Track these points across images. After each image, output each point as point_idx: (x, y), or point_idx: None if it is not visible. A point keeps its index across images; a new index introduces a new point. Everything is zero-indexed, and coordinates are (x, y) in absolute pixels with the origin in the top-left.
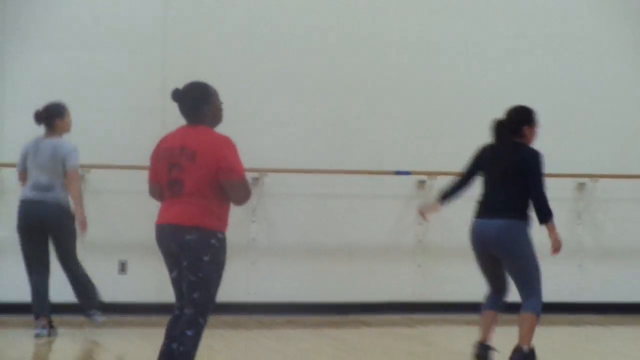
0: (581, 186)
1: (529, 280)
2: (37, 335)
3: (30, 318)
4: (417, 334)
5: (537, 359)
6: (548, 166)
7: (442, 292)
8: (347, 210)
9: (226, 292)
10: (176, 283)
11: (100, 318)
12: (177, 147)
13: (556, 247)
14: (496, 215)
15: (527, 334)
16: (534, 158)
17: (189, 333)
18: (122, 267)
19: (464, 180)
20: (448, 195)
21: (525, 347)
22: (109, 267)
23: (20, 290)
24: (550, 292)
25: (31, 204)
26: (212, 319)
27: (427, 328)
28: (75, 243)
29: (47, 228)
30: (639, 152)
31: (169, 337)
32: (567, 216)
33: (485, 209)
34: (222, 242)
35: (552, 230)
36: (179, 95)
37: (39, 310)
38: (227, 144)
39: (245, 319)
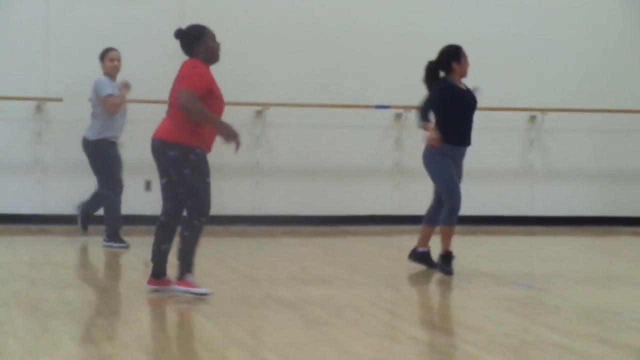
0: (532, 118)
1: (443, 193)
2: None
3: (71, 227)
4: (394, 242)
5: (449, 261)
6: (504, 101)
7: (415, 206)
8: (336, 138)
9: (234, 207)
10: (164, 188)
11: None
12: (177, 75)
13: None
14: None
15: (442, 241)
16: (433, 90)
17: (186, 234)
18: (147, 186)
19: (425, 109)
20: (423, 117)
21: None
22: (136, 185)
23: (62, 203)
24: (505, 207)
25: None
26: (222, 229)
27: (402, 237)
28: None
29: None
30: (582, 89)
31: (157, 240)
32: (521, 144)
33: None
34: (200, 157)
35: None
36: (180, 34)
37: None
38: (194, 64)
39: (250, 229)
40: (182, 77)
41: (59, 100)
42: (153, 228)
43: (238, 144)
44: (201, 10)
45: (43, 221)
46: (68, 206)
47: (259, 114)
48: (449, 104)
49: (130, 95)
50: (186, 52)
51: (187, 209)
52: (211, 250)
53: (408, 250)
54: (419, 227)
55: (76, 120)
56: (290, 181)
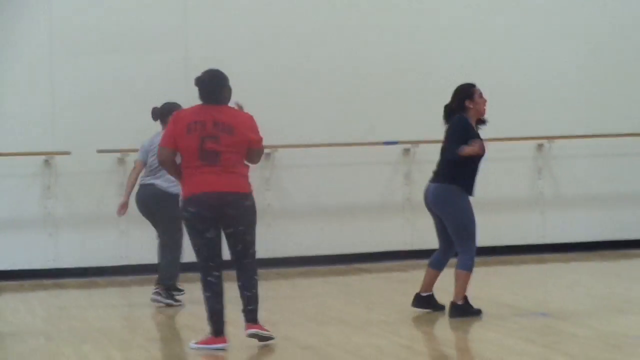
0: (540, 147)
1: (462, 237)
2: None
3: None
4: (410, 277)
5: (469, 305)
6: (511, 131)
7: (428, 241)
8: (346, 177)
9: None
10: (211, 243)
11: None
12: (209, 122)
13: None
14: (433, 180)
15: (459, 289)
16: (452, 123)
17: (256, 277)
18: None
19: None
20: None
21: (459, 302)
22: (149, 234)
23: (75, 256)
24: (517, 236)
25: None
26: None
27: (417, 272)
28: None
29: None
30: (588, 115)
31: (220, 295)
32: (529, 172)
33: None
34: (253, 202)
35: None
36: (202, 81)
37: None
38: (254, 120)
39: (265, 272)
40: (250, 133)
41: (67, 153)
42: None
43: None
44: (206, 58)
45: (56, 275)
46: (81, 259)
47: (267, 156)
48: (461, 141)
49: (136, 144)
50: (210, 100)
51: (252, 256)
52: (227, 296)
53: None
54: None
55: (85, 172)
56: (302, 222)
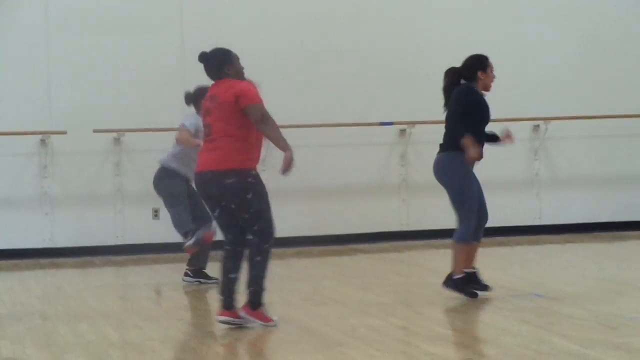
0: (536, 128)
1: (458, 206)
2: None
3: (80, 259)
4: (404, 257)
5: (466, 285)
6: (507, 112)
7: (423, 222)
8: (341, 157)
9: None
10: (219, 220)
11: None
12: (208, 97)
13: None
14: (439, 151)
15: (456, 263)
16: (459, 91)
17: (258, 258)
18: (155, 214)
19: None
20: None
21: (455, 276)
22: (144, 213)
23: (71, 236)
24: (513, 217)
25: None
26: None
27: (412, 252)
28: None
29: None
30: (584, 96)
31: (225, 270)
32: (526, 153)
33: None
34: (257, 177)
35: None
36: (205, 57)
37: None
38: (245, 84)
39: None
40: (234, 95)
41: (63, 133)
42: (162, 256)
43: (291, 167)
44: (200, 37)
45: (52, 254)
46: (77, 238)
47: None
48: (474, 111)
49: (132, 124)
50: (212, 76)
51: (256, 234)
52: None
53: (419, 266)
54: (428, 242)
55: (81, 152)
56: (298, 202)
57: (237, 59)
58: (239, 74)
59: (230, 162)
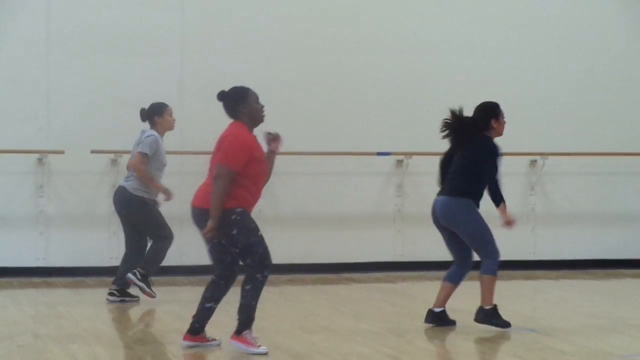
0: (533, 163)
1: (481, 244)
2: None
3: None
4: (398, 288)
5: (498, 314)
6: (505, 145)
7: (418, 253)
8: (338, 186)
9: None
10: (211, 254)
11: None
12: (219, 140)
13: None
14: (441, 193)
15: (486, 294)
16: (486, 143)
17: (247, 287)
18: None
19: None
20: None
21: (486, 307)
22: None
23: (65, 255)
24: (508, 252)
25: None
26: None
27: (406, 283)
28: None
29: None
30: (581, 134)
31: (205, 298)
32: (522, 188)
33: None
34: (242, 214)
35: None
36: (223, 96)
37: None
38: (233, 135)
39: None
40: (221, 148)
41: (61, 152)
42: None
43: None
44: (200, 61)
45: (46, 274)
46: (71, 258)
47: None
48: (493, 167)
49: (129, 146)
50: (229, 114)
51: (248, 267)
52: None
53: (411, 297)
54: (422, 273)
55: (78, 172)
56: (293, 229)
57: (256, 97)
58: (255, 113)
59: (204, 202)
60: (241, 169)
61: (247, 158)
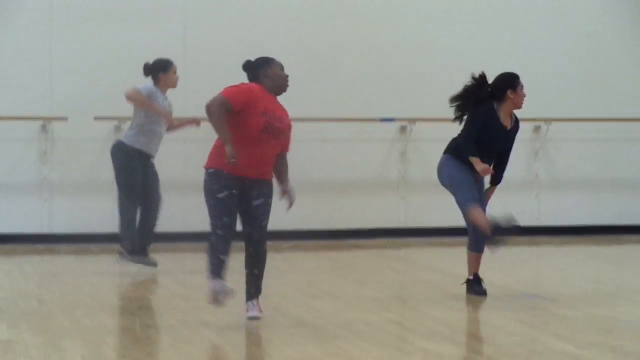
0: (537, 129)
1: (458, 204)
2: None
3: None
4: (401, 254)
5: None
6: None
7: (421, 219)
8: (341, 152)
9: (240, 223)
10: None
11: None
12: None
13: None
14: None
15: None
16: (479, 110)
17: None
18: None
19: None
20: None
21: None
22: None
23: (69, 222)
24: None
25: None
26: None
27: (409, 249)
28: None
29: None
30: (586, 98)
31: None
32: (526, 154)
33: None
34: (210, 175)
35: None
36: (247, 64)
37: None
38: (246, 84)
39: None
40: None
41: (64, 119)
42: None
43: (232, 164)
44: (203, 26)
45: (50, 240)
46: (74, 225)
47: None
48: (480, 129)
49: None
50: (251, 80)
51: None
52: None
53: (415, 263)
54: (426, 239)
55: (81, 139)
56: (296, 196)
57: (280, 66)
58: (276, 79)
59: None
60: (240, 107)
61: (246, 99)
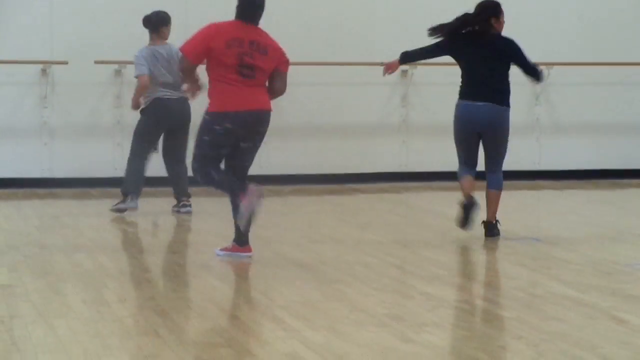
0: None
1: (501, 159)
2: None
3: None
4: (402, 198)
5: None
6: None
7: (422, 163)
8: (342, 96)
9: None
10: (223, 156)
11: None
12: (247, 40)
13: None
14: (487, 99)
15: (496, 209)
16: (512, 43)
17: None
18: (155, 147)
19: (429, 53)
20: (409, 59)
21: (494, 221)
22: None
23: (69, 166)
24: (513, 162)
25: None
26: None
27: (410, 194)
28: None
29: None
30: (588, 42)
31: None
32: (527, 98)
33: (476, 92)
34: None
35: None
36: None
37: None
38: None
39: None
40: (281, 56)
41: (64, 63)
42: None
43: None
44: None
45: (51, 185)
46: (75, 169)
47: None
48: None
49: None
50: (254, 19)
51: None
52: (220, 209)
53: (416, 207)
54: (427, 184)
55: (82, 83)
56: (297, 140)
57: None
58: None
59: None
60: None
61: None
